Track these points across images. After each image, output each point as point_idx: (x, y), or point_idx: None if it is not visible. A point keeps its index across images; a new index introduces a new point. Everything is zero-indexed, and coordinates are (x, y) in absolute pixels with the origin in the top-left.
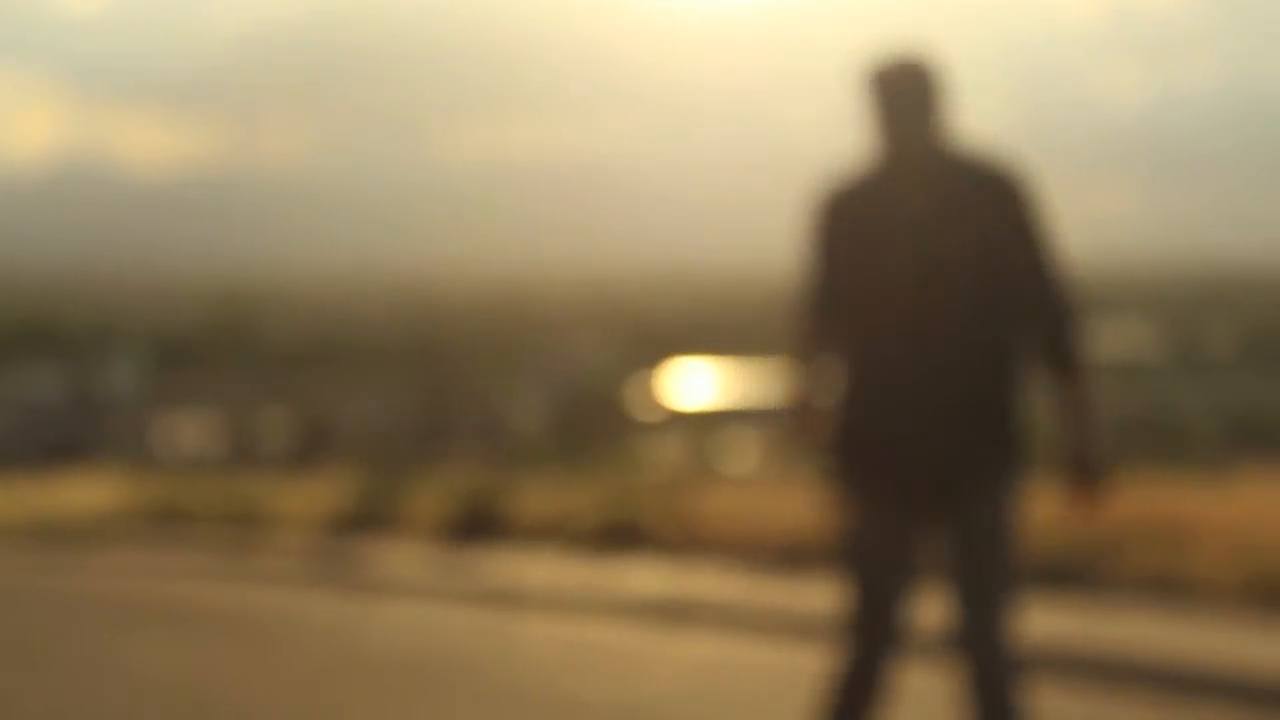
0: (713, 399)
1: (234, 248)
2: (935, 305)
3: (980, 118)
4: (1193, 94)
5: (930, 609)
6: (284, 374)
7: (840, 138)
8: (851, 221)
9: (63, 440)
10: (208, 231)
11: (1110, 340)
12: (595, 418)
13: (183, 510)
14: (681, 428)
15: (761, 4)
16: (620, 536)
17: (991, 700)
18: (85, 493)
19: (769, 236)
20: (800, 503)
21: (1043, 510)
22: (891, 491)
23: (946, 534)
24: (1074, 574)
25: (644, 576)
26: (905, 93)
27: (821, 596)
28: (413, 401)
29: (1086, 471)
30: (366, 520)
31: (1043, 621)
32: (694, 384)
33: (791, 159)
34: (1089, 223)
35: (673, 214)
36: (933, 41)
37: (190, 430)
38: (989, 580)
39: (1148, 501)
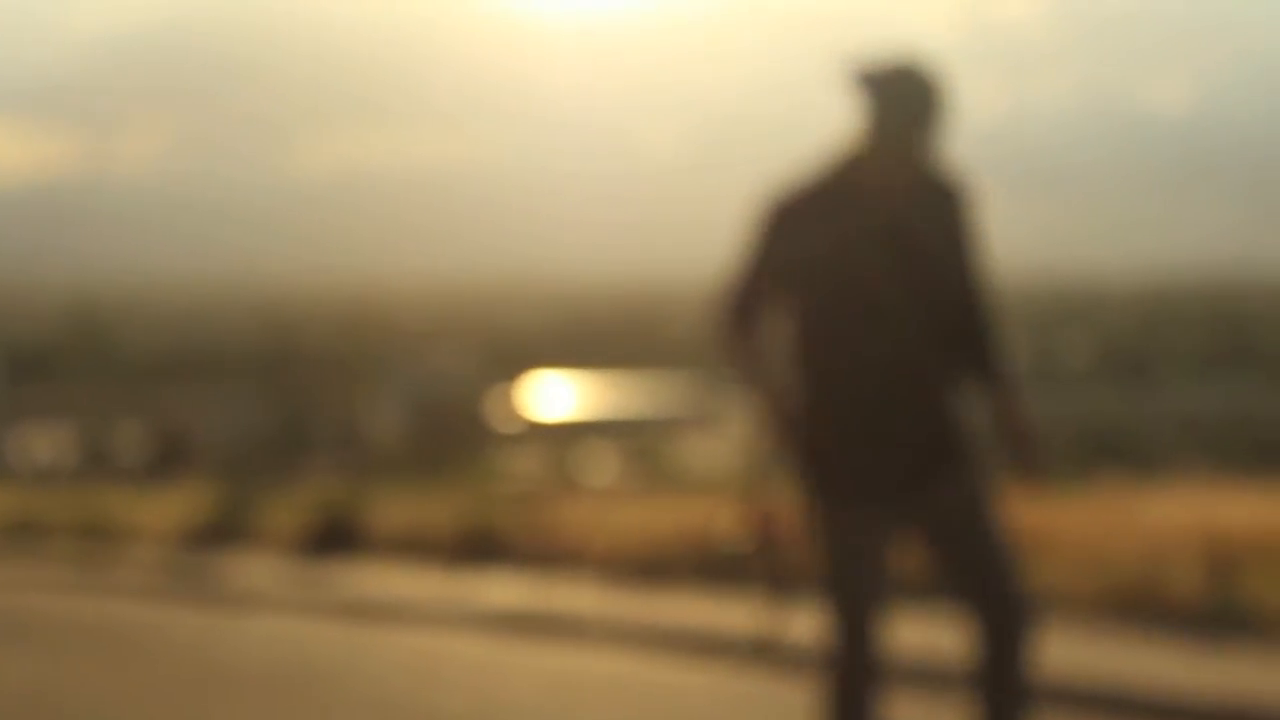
0: (571, 411)
1: (90, 256)
2: (896, 311)
3: (843, 128)
4: (1048, 108)
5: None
6: (141, 384)
7: (696, 150)
8: (817, 219)
9: None
10: (64, 240)
11: None
12: (454, 429)
13: (35, 522)
14: (541, 440)
15: (626, 16)
16: (479, 548)
17: (1010, 650)
18: None
19: (623, 247)
20: (659, 514)
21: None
22: (865, 493)
23: (928, 523)
24: (934, 585)
25: (503, 588)
26: (902, 97)
27: (679, 609)
28: (270, 413)
29: (1032, 456)
30: (223, 532)
31: (907, 632)
32: (553, 396)
33: (646, 171)
34: None
35: (530, 223)
36: (792, 51)
37: (44, 442)
38: (984, 540)
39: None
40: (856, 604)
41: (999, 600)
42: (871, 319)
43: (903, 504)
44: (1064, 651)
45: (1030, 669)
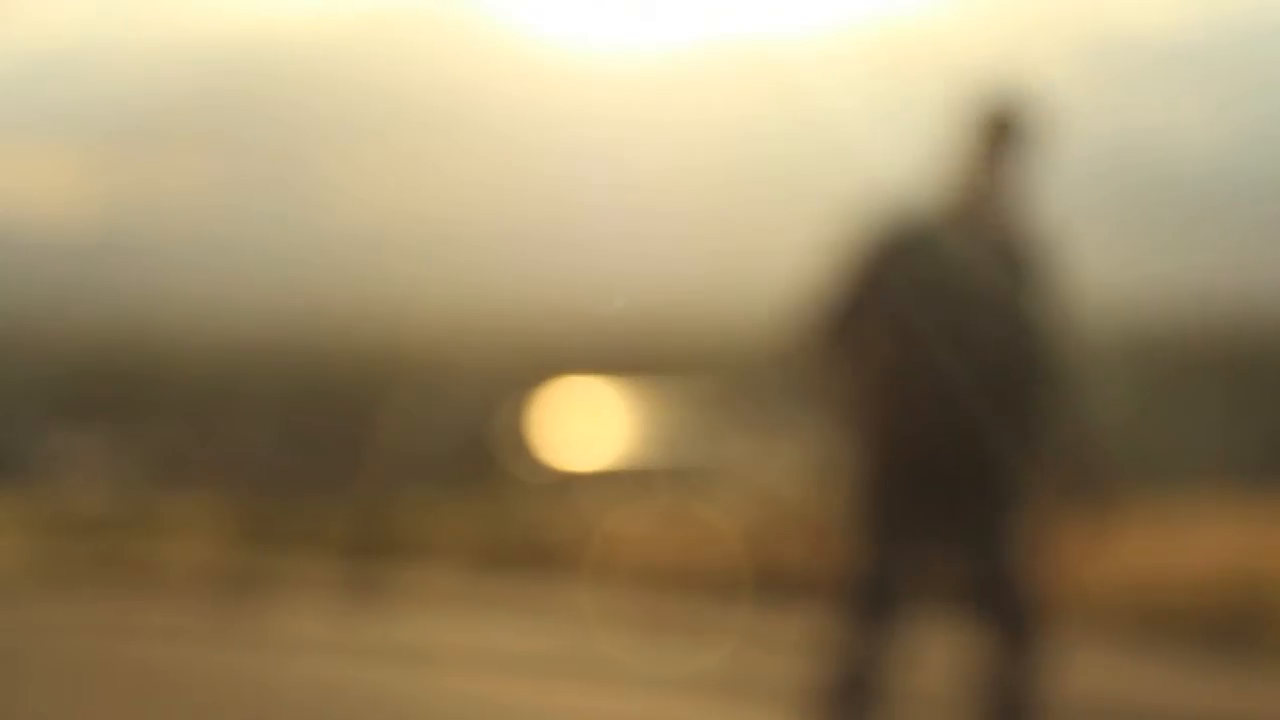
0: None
1: (126, 293)
2: (986, 366)
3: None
4: None
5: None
6: (177, 418)
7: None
8: (909, 271)
9: None
10: (101, 276)
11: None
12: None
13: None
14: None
15: (664, 54)
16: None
17: (1017, 667)
18: None
19: (651, 278)
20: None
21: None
22: (916, 532)
23: (960, 558)
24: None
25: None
26: (1025, 139)
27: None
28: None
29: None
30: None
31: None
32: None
33: (677, 206)
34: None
35: (565, 253)
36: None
37: (85, 468)
38: (1006, 561)
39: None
40: (879, 634)
41: (1012, 614)
42: (960, 371)
43: (944, 551)
44: (1095, 670)
45: (1035, 689)
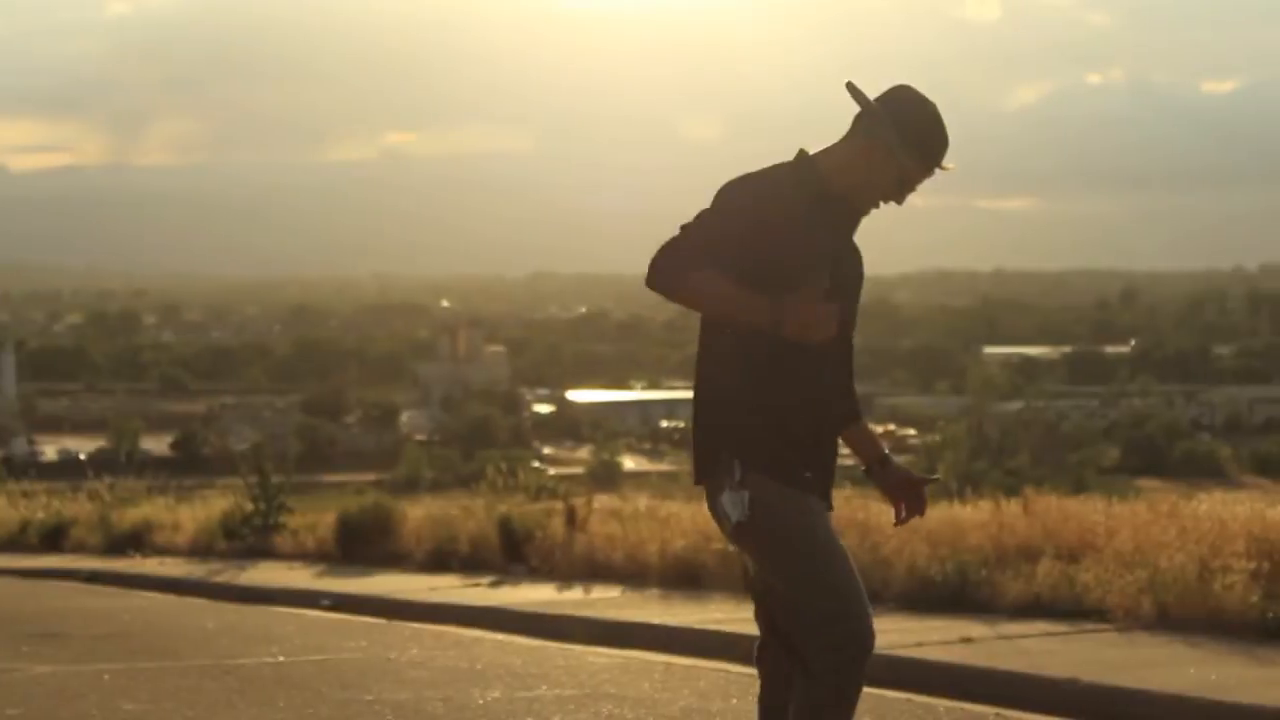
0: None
1: (113, 250)
2: (844, 334)
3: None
4: None
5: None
6: (163, 384)
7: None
8: (806, 230)
9: None
10: (87, 234)
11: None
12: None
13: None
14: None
15: (674, 8)
16: None
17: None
18: None
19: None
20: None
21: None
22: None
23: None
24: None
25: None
26: (899, 123)
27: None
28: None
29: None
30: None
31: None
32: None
33: (692, 164)
34: None
35: (572, 217)
36: (838, 47)
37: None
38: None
39: None
40: (854, 576)
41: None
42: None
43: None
44: (1115, 659)
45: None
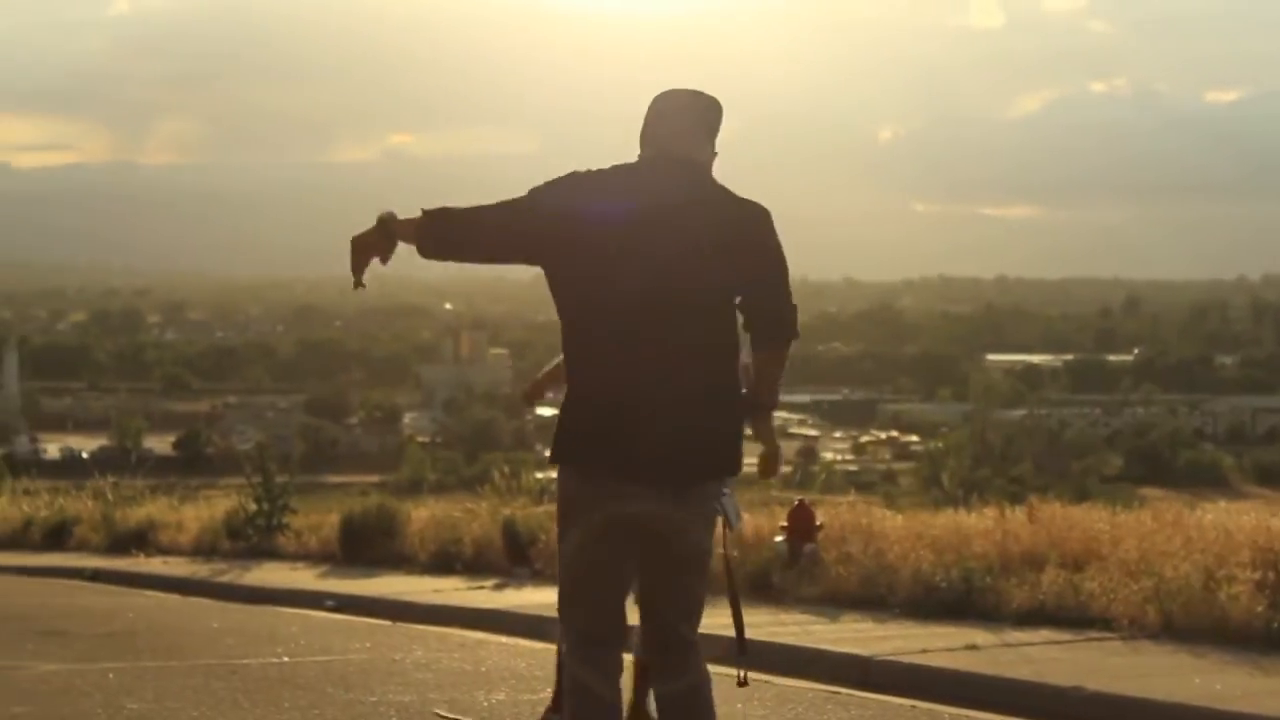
0: None
1: (117, 247)
2: (668, 303)
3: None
4: None
5: None
6: (166, 383)
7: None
8: (594, 197)
9: None
10: (91, 231)
11: None
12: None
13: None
14: None
15: (686, 12)
16: None
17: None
18: None
19: None
20: None
21: None
22: (626, 472)
23: (656, 522)
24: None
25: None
26: (680, 111)
27: None
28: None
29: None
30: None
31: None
32: None
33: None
34: None
35: None
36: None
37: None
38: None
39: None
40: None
41: (675, 642)
42: (647, 313)
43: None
44: (1119, 667)
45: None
